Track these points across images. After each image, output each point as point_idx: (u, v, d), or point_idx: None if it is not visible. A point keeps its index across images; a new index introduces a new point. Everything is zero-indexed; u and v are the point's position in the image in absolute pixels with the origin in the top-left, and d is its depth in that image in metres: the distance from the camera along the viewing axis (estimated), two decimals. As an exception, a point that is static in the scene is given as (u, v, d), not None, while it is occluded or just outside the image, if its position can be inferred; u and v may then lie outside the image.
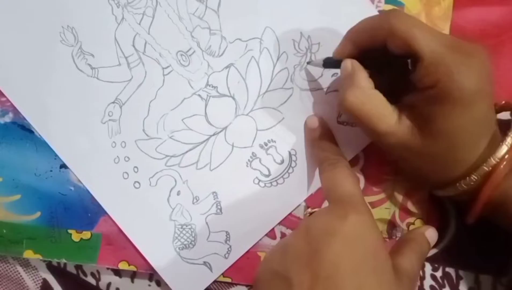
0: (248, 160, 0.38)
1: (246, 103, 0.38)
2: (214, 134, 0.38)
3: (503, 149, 0.30)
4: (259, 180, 0.38)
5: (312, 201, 0.38)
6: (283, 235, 0.38)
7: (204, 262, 0.37)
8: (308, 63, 0.38)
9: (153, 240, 0.38)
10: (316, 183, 0.38)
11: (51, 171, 0.38)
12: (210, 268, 0.37)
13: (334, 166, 0.33)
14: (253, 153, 0.38)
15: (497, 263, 0.38)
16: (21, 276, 0.39)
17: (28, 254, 0.38)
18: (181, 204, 0.38)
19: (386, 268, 0.29)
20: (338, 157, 0.35)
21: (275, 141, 0.38)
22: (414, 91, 0.31)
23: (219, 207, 0.38)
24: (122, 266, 0.38)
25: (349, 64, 0.33)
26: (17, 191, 0.38)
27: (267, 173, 0.38)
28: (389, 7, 0.39)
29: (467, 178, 0.31)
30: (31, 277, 0.39)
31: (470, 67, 0.29)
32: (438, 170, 0.32)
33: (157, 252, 0.38)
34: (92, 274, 0.39)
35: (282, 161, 0.38)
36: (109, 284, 0.39)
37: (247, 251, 0.38)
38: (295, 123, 0.38)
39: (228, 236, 0.38)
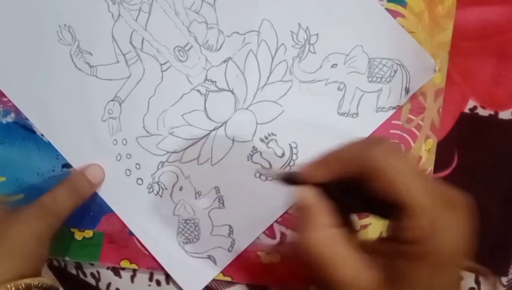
0: (249, 154, 0.38)
1: (245, 97, 0.38)
2: (214, 129, 0.38)
3: None
4: (261, 174, 0.38)
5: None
6: (283, 235, 0.38)
7: (209, 255, 0.38)
8: (263, 173, 0.35)
9: (158, 235, 0.38)
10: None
11: (53, 170, 0.38)
12: (215, 262, 0.38)
13: None
14: (253, 147, 0.38)
15: (497, 263, 0.38)
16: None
17: (32, 252, 0.38)
18: (184, 199, 0.38)
19: None
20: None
21: (275, 134, 0.38)
22: (388, 239, 0.27)
23: (221, 201, 0.38)
24: (124, 264, 0.38)
25: (307, 195, 0.27)
26: (20, 191, 0.38)
27: (268, 166, 0.38)
28: (392, 5, 0.38)
29: None
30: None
31: (454, 224, 0.25)
32: None
33: (162, 247, 0.38)
34: (92, 275, 0.39)
35: (283, 154, 0.38)
36: (109, 285, 0.39)
37: (248, 251, 0.38)
38: (295, 116, 0.38)
39: (231, 229, 0.38)
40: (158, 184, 0.38)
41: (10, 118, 0.39)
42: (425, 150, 0.38)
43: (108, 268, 0.39)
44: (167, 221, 0.38)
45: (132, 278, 0.39)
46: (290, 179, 0.29)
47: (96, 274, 0.39)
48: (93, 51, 0.38)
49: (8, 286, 0.30)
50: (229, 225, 0.38)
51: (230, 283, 0.38)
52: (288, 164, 0.38)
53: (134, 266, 0.38)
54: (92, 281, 0.39)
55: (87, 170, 0.37)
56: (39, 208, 0.34)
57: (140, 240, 0.38)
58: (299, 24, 0.38)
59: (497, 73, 0.38)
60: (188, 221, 0.38)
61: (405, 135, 0.38)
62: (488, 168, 0.38)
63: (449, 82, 0.38)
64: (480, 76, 0.39)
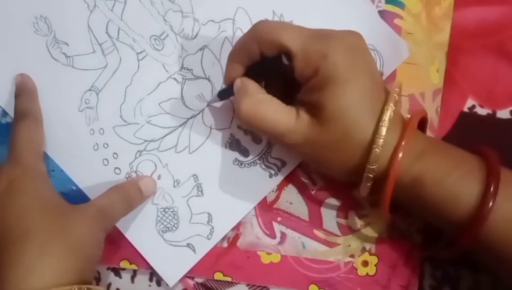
0: (227, 141, 0.38)
1: (222, 84, 0.38)
2: (191, 117, 0.38)
3: (383, 130, 0.30)
4: (239, 161, 0.38)
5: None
6: (283, 234, 0.38)
7: (188, 244, 0.38)
8: (208, 104, 0.38)
9: (137, 224, 0.38)
10: (295, 160, 0.38)
11: (53, 171, 0.38)
12: (194, 250, 0.37)
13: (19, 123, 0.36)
14: (231, 134, 0.38)
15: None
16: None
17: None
18: (162, 188, 0.38)
19: (54, 203, 0.34)
20: (28, 113, 0.36)
21: (252, 121, 0.38)
22: (302, 86, 0.33)
23: (200, 189, 0.38)
24: (124, 265, 0.38)
25: (239, 81, 0.34)
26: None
27: (246, 153, 0.38)
28: (389, 7, 0.39)
29: (368, 165, 0.31)
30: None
31: (340, 47, 0.31)
32: (343, 158, 0.32)
33: (141, 235, 0.38)
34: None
35: (261, 141, 0.38)
36: (109, 285, 0.38)
37: (248, 251, 0.38)
38: (271, 102, 0.38)
39: (210, 217, 0.38)
40: (136, 173, 0.38)
41: (9, 118, 0.39)
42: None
43: (108, 269, 0.38)
44: (146, 210, 0.38)
45: (132, 278, 0.38)
46: (223, 93, 0.36)
47: (96, 274, 0.38)
48: (69, 42, 0.38)
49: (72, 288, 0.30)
50: (208, 213, 0.38)
51: (230, 283, 0.38)
52: (266, 150, 0.38)
53: (134, 267, 0.38)
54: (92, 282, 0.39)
55: (141, 181, 0.37)
56: (98, 210, 0.34)
57: (119, 228, 0.38)
58: (273, 11, 0.38)
59: (496, 71, 0.39)
60: (167, 210, 0.38)
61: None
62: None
63: (448, 81, 0.38)
64: (479, 75, 0.39)
